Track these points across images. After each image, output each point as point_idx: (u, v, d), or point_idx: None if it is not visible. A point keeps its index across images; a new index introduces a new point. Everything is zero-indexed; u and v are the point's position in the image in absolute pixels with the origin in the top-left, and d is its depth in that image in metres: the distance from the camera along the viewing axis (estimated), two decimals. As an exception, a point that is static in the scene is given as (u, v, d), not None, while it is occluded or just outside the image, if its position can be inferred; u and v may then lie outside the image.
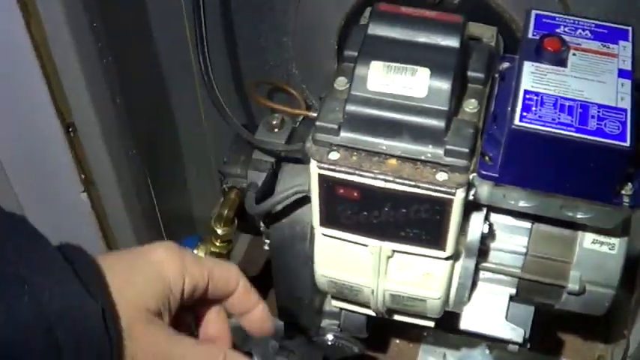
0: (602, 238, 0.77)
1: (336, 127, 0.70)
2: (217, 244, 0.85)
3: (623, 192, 0.68)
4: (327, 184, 0.71)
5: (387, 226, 0.73)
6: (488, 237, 0.77)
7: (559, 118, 0.65)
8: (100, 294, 0.50)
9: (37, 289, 0.47)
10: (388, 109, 0.69)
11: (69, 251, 0.51)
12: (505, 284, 0.80)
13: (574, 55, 0.70)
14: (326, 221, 0.75)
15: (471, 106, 0.72)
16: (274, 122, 0.84)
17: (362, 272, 0.78)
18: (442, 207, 0.70)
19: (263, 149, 0.83)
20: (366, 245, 0.75)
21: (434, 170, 0.69)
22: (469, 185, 0.69)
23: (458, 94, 0.71)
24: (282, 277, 0.87)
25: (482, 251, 0.78)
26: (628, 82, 0.68)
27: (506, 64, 0.76)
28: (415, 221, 0.71)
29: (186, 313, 0.58)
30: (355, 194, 0.71)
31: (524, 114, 0.65)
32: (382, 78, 0.70)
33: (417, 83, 0.69)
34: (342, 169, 0.69)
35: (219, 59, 1.04)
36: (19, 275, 0.46)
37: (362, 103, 0.70)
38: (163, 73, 0.91)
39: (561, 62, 0.69)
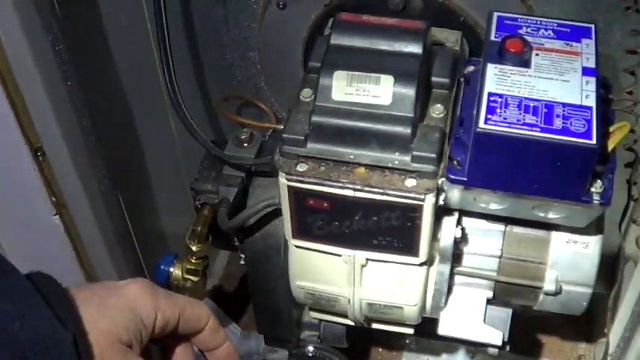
0: (576, 238, 0.77)
1: (302, 138, 0.70)
2: (193, 260, 0.84)
3: (592, 190, 0.68)
4: (297, 196, 0.71)
5: (359, 235, 0.72)
6: (461, 241, 0.76)
7: (524, 119, 0.65)
8: (71, 322, 0.50)
9: (7, 318, 0.47)
10: (354, 118, 0.69)
11: (39, 280, 0.52)
12: (482, 288, 0.80)
13: (537, 55, 0.70)
14: (298, 233, 0.74)
15: (437, 111, 0.72)
16: (243, 137, 0.83)
17: (337, 282, 0.78)
18: (413, 213, 0.69)
19: (232, 164, 0.83)
20: (339, 255, 0.75)
21: (402, 177, 0.69)
22: (439, 190, 0.69)
23: (423, 100, 0.72)
24: (259, 290, 0.87)
25: (456, 256, 0.78)
26: (592, 80, 0.68)
27: (471, 68, 0.76)
28: (387, 229, 0.71)
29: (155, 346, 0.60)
30: (325, 204, 0.71)
31: (489, 116, 0.65)
32: (346, 87, 0.70)
33: (381, 91, 0.69)
34: (311, 180, 0.69)
35: (188, 77, 1.04)
36: None
37: (327, 113, 0.70)
38: (131, 92, 0.91)
39: (524, 63, 0.69)
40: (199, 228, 0.82)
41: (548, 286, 0.77)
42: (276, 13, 0.95)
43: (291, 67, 0.98)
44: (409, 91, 0.69)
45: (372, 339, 1.11)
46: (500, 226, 0.78)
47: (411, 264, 0.74)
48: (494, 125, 0.65)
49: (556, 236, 0.77)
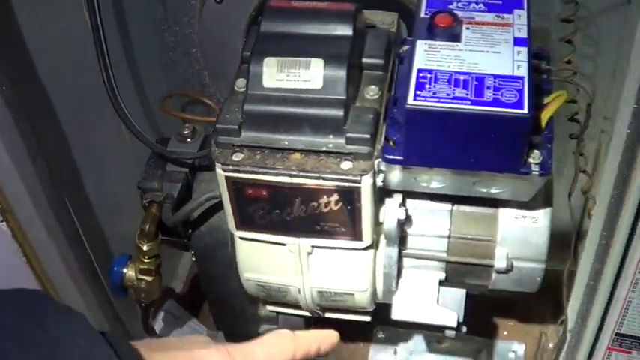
0: (524, 213, 0.76)
1: (236, 127, 0.69)
2: (145, 260, 0.84)
3: (530, 161, 0.67)
4: (235, 186, 0.70)
5: (301, 222, 0.72)
6: (407, 223, 0.76)
7: (454, 93, 0.64)
8: None
9: None
10: (286, 104, 0.68)
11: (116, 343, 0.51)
12: (433, 269, 0.79)
13: (467, 29, 0.70)
14: (241, 224, 0.74)
15: (371, 92, 0.71)
16: (185, 132, 0.83)
17: (285, 272, 0.77)
18: (351, 196, 0.69)
19: (174, 160, 0.82)
20: (284, 244, 0.74)
21: (338, 160, 0.68)
22: (376, 172, 0.69)
23: (356, 82, 0.71)
24: (211, 286, 0.86)
25: (404, 238, 0.77)
26: (524, 50, 0.67)
27: (405, 48, 0.75)
28: (327, 214, 0.71)
29: None
30: (264, 193, 0.70)
31: (418, 92, 0.65)
32: (277, 74, 0.69)
33: (312, 75, 0.69)
34: (246, 168, 0.69)
35: (134, 76, 1.03)
36: None
37: (259, 100, 0.69)
38: (72, 94, 0.90)
39: (454, 37, 0.69)
40: (147, 226, 0.82)
41: (499, 263, 0.76)
42: (214, 7, 0.95)
43: (233, 60, 0.97)
44: (340, 74, 0.68)
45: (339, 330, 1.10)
46: (447, 206, 0.77)
47: (356, 249, 0.74)
48: (424, 101, 0.64)
49: (504, 212, 0.77)
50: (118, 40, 0.95)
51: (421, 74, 0.66)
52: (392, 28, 0.78)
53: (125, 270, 0.84)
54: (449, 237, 0.77)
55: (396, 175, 0.70)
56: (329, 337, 0.66)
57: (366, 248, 0.74)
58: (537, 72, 0.72)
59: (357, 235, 0.72)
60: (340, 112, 0.68)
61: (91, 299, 0.89)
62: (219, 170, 0.69)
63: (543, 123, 0.68)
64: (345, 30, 0.70)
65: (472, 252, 0.77)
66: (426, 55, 0.67)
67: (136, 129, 0.81)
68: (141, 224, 0.82)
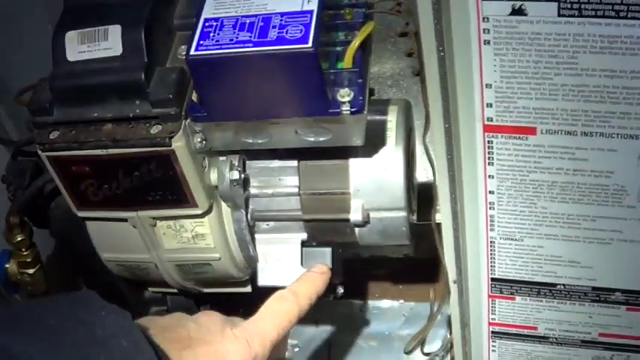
0: (374, 160, 0.74)
1: (47, 106, 0.69)
2: (23, 252, 0.84)
3: (339, 99, 0.64)
4: (59, 166, 0.70)
5: (132, 194, 0.71)
6: (248, 184, 0.73)
7: (237, 38, 0.62)
8: None
9: None
10: (89, 75, 0.68)
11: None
12: (293, 230, 0.77)
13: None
14: (79, 204, 0.73)
15: (183, 52, 0.69)
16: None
17: (137, 248, 0.76)
18: (167, 161, 0.67)
19: (22, 151, 0.82)
20: (125, 220, 0.73)
21: (147, 125, 0.67)
22: (190, 133, 0.67)
23: (165, 44, 0.69)
24: (83, 273, 0.85)
25: (257, 201, 0.75)
26: (316, -18, 0.64)
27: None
28: (153, 182, 0.69)
29: None
30: (87, 169, 0.70)
31: (201, 42, 0.63)
32: (79, 46, 0.68)
33: (111, 43, 0.68)
34: (62, 145, 0.68)
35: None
36: None
37: (64, 76, 0.68)
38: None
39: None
40: (11, 218, 0.82)
41: (354, 216, 0.73)
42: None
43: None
44: (137, 37, 0.67)
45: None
46: (293, 162, 0.74)
47: (194, 215, 0.72)
48: (205, 50, 0.62)
49: (353, 162, 0.74)
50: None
51: (207, 24, 0.64)
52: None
53: (7, 265, 0.85)
54: (299, 194, 0.74)
55: (214, 135, 0.68)
56: (322, 277, 0.72)
57: (205, 214, 0.71)
58: (352, 7, 0.68)
59: (190, 202, 0.70)
60: (141, 76, 0.66)
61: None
62: (39, 151, 0.69)
63: (349, 58, 0.64)
64: (143, -7, 0.69)
65: (327, 208, 0.74)
66: (215, 3, 0.65)
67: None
68: (5, 217, 0.82)
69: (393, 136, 0.73)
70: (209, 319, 0.63)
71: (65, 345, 0.48)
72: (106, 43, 0.67)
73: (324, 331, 1.02)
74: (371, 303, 1.04)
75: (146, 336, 0.52)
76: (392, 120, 0.74)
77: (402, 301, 1.02)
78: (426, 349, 0.93)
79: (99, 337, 0.50)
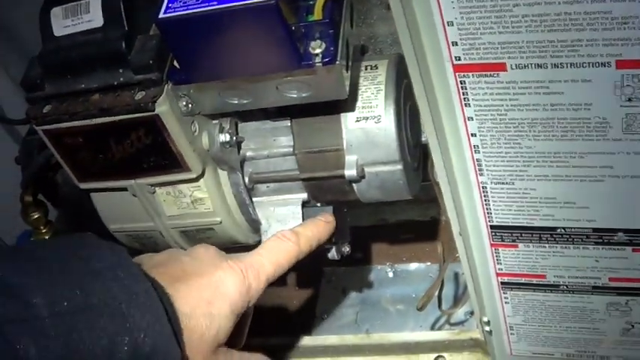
0: (364, 113, 0.72)
1: (38, 81, 0.71)
2: (42, 230, 0.87)
3: (311, 51, 0.64)
4: (56, 139, 0.72)
5: (127, 163, 0.72)
6: (242, 146, 0.74)
7: (203, -2, 0.62)
8: (181, 337, 0.56)
9: (136, 328, 0.51)
10: (75, 48, 0.69)
11: (153, 280, 0.56)
12: (293, 191, 0.77)
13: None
14: (81, 176, 0.75)
15: (165, 19, 0.70)
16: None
17: (140, 217, 0.77)
18: (154, 126, 0.69)
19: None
20: (125, 189, 0.74)
21: (132, 92, 0.68)
22: (175, 97, 0.68)
23: (144, 13, 0.70)
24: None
25: (254, 163, 0.76)
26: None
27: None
28: (145, 149, 0.71)
29: None
30: (80, 140, 0.71)
31: (170, 5, 0.63)
32: (64, 21, 0.70)
33: (92, 15, 0.69)
34: (54, 117, 0.70)
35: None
36: (121, 312, 0.51)
37: (52, 51, 0.70)
38: None
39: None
40: (26, 197, 0.84)
41: (348, 171, 0.73)
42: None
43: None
44: (115, 6, 0.68)
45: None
46: (285, 122, 0.74)
47: (189, 180, 0.73)
48: (172, 12, 0.63)
49: (345, 117, 0.73)
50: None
51: (177, -13, 0.64)
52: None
53: (31, 244, 0.88)
54: (295, 154, 0.74)
55: (198, 97, 0.69)
56: (327, 225, 0.72)
57: (199, 178, 0.72)
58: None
59: (183, 166, 0.71)
60: (122, 45, 0.68)
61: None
62: (34, 125, 0.71)
63: (319, 10, 0.64)
64: (123, -35, 0.70)
65: (323, 165, 0.74)
66: (185, -33, 0.66)
67: None
68: (21, 196, 0.85)
69: (383, 88, 0.72)
70: (204, 251, 0.64)
71: (60, 274, 0.50)
72: (88, 15, 0.69)
73: (351, 297, 1.02)
74: (398, 267, 1.03)
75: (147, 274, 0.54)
76: (382, 73, 0.73)
77: (428, 263, 1.01)
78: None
79: (95, 269, 0.51)
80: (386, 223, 1.03)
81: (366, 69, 0.73)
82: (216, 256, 0.64)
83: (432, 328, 0.95)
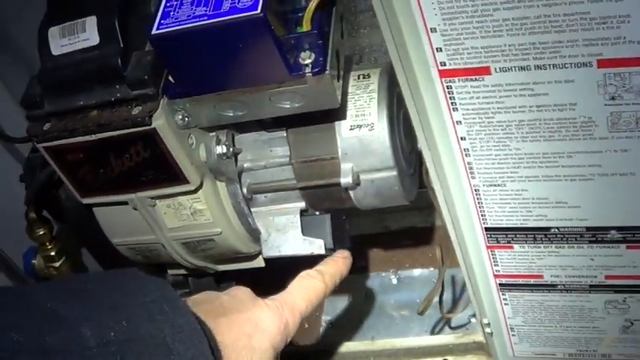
0: (358, 121, 0.74)
1: (38, 99, 0.72)
2: (47, 247, 0.88)
3: (301, 62, 0.65)
4: (56, 156, 0.73)
5: (127, 177, 0.73)
6: (239, 157, 0.75)
7: (194, 13, 0.64)
8: None
9: None
10: (73, 66, 0.71)
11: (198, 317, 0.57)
12: (291, 200, 0.78)
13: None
14: (82, 191, 0.76)
15: (159, 36, 0.72)
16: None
17: (142, 230, 0.78)
18: (152, 140, 0.70)
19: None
20: (126, 203, 0.76)
21: (129, 107, 0.70)
22: (171, 111, 0.69)
23: (140, 29, 0.72)
24: (103, 259, 0.89)
25: (252, 174, 0.77)
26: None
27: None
28: (144, 163, 0.72)
29: None
30: (81, 156, 0.73)
31: (162, 21, 0.65)
32: (61, 40, 0.72)
33: (89, 33, 0.71)
34: (54, 134, 0.71)
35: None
36: (166, 344, 0.51)
37: (51, 70, 0.72)
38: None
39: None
40: (30, 214, 0.86)
41: (345, 179, 0.74)
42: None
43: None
44: (111, 24, 0.70)
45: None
46: (281, 132, 0.76)
47: (188, 192, 0.74)
48: (165, 28, 0.64)
49: (338, 126, 0.74)
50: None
51: (168, 4, 0.66)
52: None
53: (34, 261, 0.89)
54: (291, 163, 0.75)
55: (193, 111, 0.70)
56: (345, 260, 0.75)
57: (197, 190, 0.74)
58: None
59: (181, 179, 0.72)
60: (117, 61, 0.69)
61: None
62: (35, 143, 0.73)
63: (307, 21, 0.66)
64: (117, -18, 0.71)
65: (320, 174, 0.75)
66: (178, -17, 0.67)
67: None
68: (24, 215, 0.87)
69: (375, 96, 0.73)
70: (241, 292, 0.66)
71: (108, 307, 0.51)
72: (84, 34, 0.70)
73: (355, 304, 1.03)
74: (401, 273, 1.04)
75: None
76: (374, 82, 0.74)
77: (431, 268, 1.02)
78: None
79: (141, 302, 0.52)
80: (388, 231, 1.04)
81: (358, 78, 0.75)
82: (252, 295, 0.66)
83: (437, 332, 0.96)
